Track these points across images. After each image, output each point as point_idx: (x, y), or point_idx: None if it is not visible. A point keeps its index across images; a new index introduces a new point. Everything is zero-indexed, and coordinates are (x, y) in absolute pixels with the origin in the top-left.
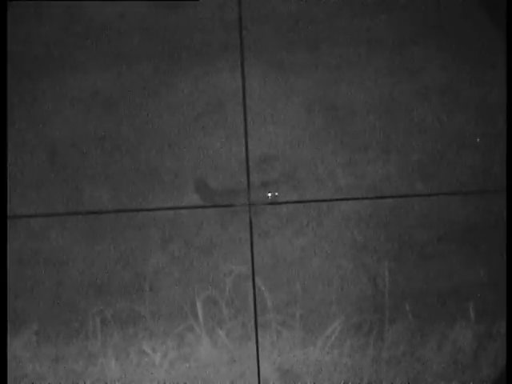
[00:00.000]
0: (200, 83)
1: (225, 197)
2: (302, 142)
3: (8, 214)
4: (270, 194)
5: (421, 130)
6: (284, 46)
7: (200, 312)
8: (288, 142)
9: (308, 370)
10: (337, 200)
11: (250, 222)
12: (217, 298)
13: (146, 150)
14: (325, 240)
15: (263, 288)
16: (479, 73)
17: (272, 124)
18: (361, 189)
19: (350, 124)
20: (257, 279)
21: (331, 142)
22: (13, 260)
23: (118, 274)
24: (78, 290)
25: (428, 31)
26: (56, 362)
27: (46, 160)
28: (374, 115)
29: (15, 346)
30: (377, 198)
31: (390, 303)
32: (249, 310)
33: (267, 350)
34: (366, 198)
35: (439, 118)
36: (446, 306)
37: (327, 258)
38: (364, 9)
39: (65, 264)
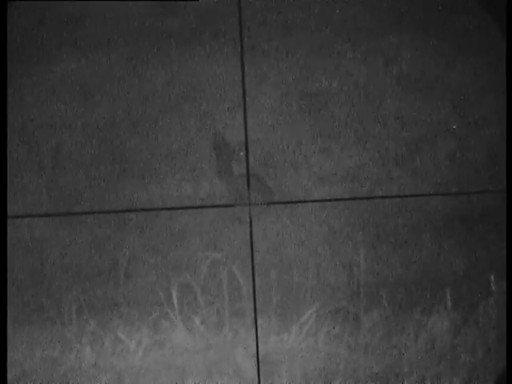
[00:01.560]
0: (176, 70)
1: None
2: (276, 130)
3: None
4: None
5: (396, 118)
6: (257, 33)
7: (175, 299)
8: (262, 130)
9: (283, 357)
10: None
11: (250, 222)
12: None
13: (121, 138)
14: (300, 227)
15: (238, 275)
16: (455, 59)
17: (249, 111)
18: (336, 176)
19: (324, 112)
20: (232, 266)
21: (306, 129)
22: None
23: (93, 261)
24: (53, 276)
25: (403, 18)
26: (31, 349)
27: (18, 148)
28: (349, 103)
29: None
30: (352, 185)
31: (366, 291)
32: (223, 297)
33: (242, 337)
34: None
35: (415, 105)
36: (423, 294)
37: (303, 246)
38: None
39: (39, 250)
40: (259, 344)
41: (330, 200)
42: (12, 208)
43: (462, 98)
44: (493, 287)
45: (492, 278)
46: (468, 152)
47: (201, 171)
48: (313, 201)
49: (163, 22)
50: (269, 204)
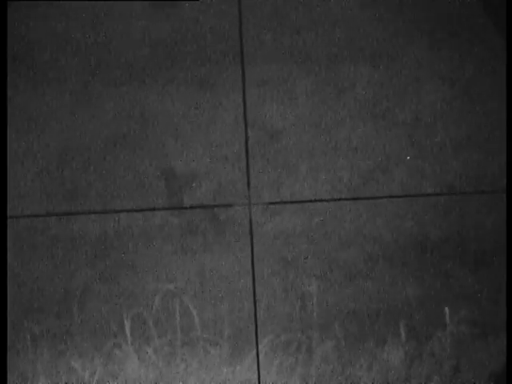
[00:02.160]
0: (127, 101)
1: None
2: (229, 161)
3: None
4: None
5: (350, 148)
6: (209, 62)
7: (128, 329)
8: (214, 161)
9: None
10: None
11: (251, 224)
12: (145, 316)
13: (72, 170)
14: (253, 258)
15: (190, 306)
16: (408, 89)
17: (198, 142)
18: (289, 208)
19: (278, 141)
20: (184, 297)
21: (259, 160)
22: None
23: (46, 291)
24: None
25: (356, 47)
26: None
27: None
28: (303, 133)
29: None
30: (305, 217)
31: (319, 322)
32: (176, 327)
33: (194, 368)
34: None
35: (368, 135)
36: (376, 325)
37: (255, 276)
38: (292, 25)
39: None
40: (211, 374)
41: (282, 231)
42: None
43: (416, 129)
44: (447, 318)
45: (446, 309)
46: (422, 182)
47: (152, 203)
48: (265, 232)
49: (116, 54)
50: (220, 234)
